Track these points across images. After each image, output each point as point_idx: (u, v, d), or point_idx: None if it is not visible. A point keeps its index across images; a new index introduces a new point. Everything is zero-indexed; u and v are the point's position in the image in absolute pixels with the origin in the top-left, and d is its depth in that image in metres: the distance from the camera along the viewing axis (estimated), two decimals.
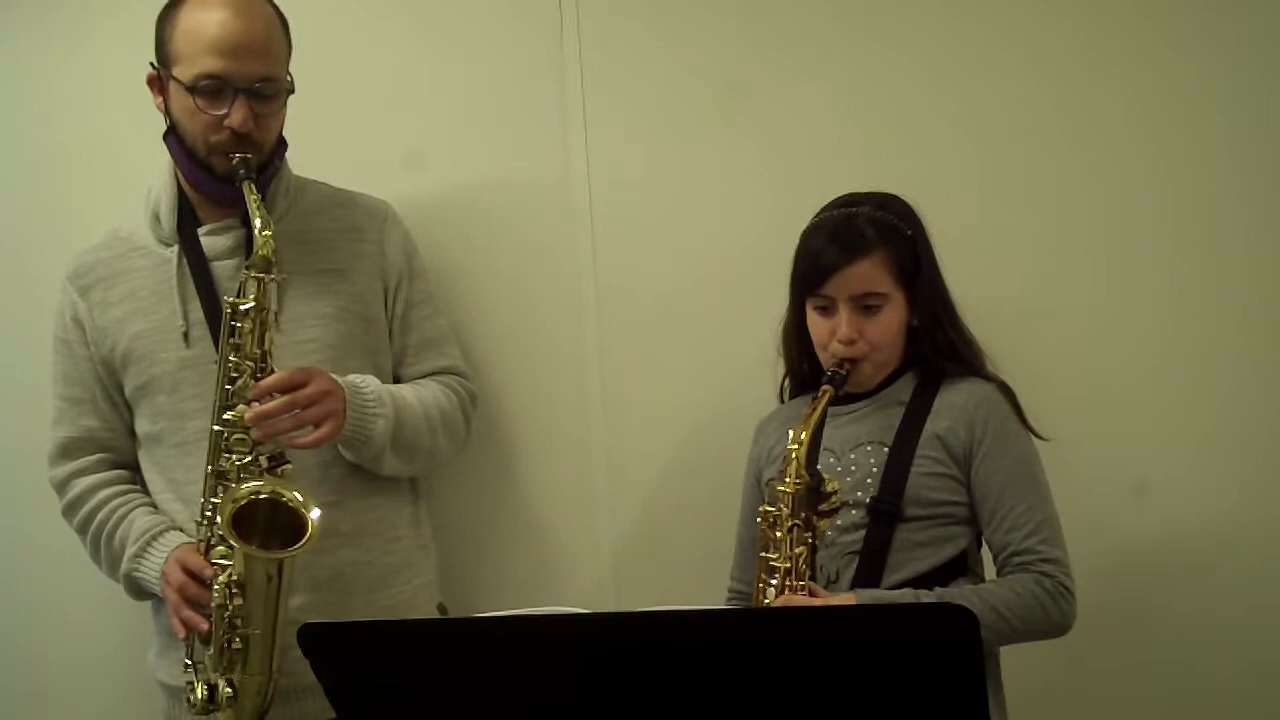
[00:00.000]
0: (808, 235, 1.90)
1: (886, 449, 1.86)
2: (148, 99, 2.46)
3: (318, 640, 1.41)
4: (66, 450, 2.08)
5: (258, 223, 1.85)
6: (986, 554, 1.90)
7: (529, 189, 2.35)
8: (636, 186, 2.32)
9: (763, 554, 1.84)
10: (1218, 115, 2.11)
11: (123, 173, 2.44)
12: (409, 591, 2.09)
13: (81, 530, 2.07)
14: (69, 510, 2.08)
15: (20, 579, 2.51)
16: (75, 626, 2.48)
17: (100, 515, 2.04)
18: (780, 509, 1.82)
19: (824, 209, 1.92)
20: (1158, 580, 2.16)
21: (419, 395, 2.08)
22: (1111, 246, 2.16)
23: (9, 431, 2.49)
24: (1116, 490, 2.14)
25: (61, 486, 2.08)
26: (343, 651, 1.39)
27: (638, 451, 2.33)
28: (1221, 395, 2.13)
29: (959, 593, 1.79)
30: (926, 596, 1.78)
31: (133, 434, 2.09)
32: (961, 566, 1.85)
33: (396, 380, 2.12)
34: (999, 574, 1.83)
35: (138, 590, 2.04)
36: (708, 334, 2.29)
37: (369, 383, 2.00)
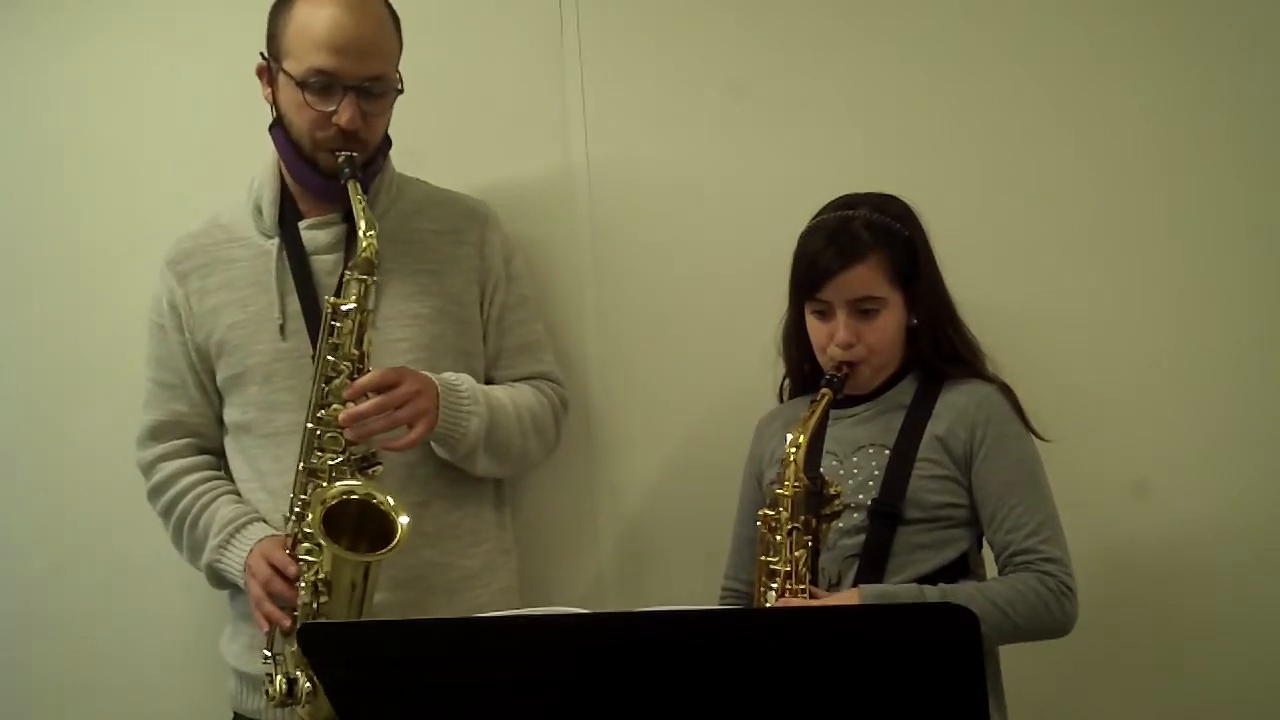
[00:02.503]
0: (804, 238, 1.90)
1: (888, 452, 1.86)
2: (147, 98, 2.46)
3: (318, 640, 1.41)
4: (155, 433, 2.09)
5: (362, 224, 1.86)
6: (988, 556, 1.90)
7: (529, 189, 2.34)
8: (636, 186, 2.32)
9: (763, 558, 1.84)
10: (1218, 115, 2.11)
11: (122, 171, 2.44)
12: (489, 595, 2.08)
13: (165, 514, 2.08)
14: (154, 494, 2.09)
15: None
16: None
17: (184, 502, 2.05)
18: (780, 512, 1.82)
19: (822, 210, 1.92)
20: (1158, 580, 2.16)
21: (512, 396, 2.07)
22: (1112, 246, 2.16)
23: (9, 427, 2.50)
24: (1117, 490, 2.14)
25: (148, 469, 2.09)
26: (343, 651, 1.39)
27: (638, 451, 2.33)
28: (1221, 395, 2.13)
29: (961, 589, 1.79)
30: (930, 591, 1.78)
31: (221, 421, 2.09)
32: (963, 569, 1.85)
33: (489, 383, 2.10)
34: (1000, 574, 1.83)
35: (219, 580, 2.04)
36: (708, 333, 2.29)
37: (464, 380, 1.99)
